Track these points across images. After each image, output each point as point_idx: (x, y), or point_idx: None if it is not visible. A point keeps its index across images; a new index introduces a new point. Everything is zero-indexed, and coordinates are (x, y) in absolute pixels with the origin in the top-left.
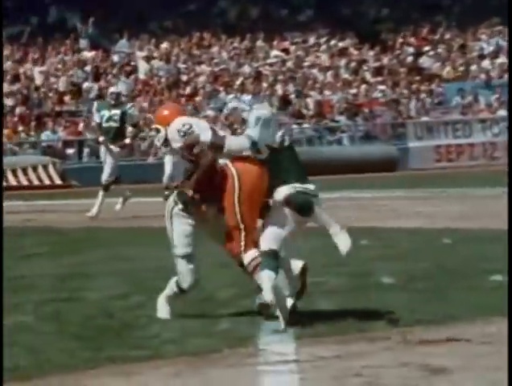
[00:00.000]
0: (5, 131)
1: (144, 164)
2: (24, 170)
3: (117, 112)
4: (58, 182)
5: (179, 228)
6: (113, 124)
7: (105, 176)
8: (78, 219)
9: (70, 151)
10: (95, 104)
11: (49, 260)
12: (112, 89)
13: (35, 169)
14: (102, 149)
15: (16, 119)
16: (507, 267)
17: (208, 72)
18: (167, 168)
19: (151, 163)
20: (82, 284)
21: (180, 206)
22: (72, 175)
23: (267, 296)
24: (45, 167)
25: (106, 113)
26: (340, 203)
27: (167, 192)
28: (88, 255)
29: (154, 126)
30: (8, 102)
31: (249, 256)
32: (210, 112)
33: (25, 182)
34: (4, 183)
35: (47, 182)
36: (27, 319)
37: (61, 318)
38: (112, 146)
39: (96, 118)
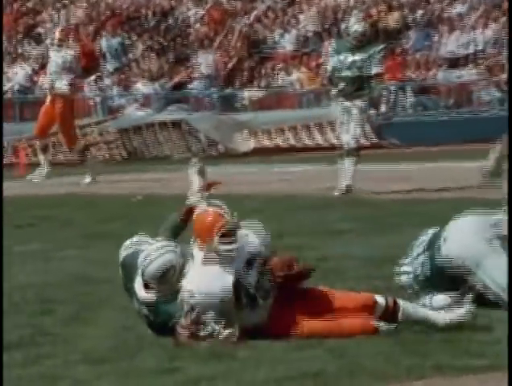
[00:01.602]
0: None
1: (475, 117)
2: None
3: (361, 57)
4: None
5: None
6: (355, 72)
7: (345, 139)
8: (394, 188)
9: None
10: (333, 43)
11: (358, 238)
12: (356, 27)
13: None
14: (339, 106)
15: None
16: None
17: None
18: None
19: (485, 117)
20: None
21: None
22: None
23: None
24: None
25: (348, 58)
26: None
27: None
28: (408, 234)
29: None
30: None
31: None
32: None
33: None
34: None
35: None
36: None
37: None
38: (348, 103)
39: (331, 63)
